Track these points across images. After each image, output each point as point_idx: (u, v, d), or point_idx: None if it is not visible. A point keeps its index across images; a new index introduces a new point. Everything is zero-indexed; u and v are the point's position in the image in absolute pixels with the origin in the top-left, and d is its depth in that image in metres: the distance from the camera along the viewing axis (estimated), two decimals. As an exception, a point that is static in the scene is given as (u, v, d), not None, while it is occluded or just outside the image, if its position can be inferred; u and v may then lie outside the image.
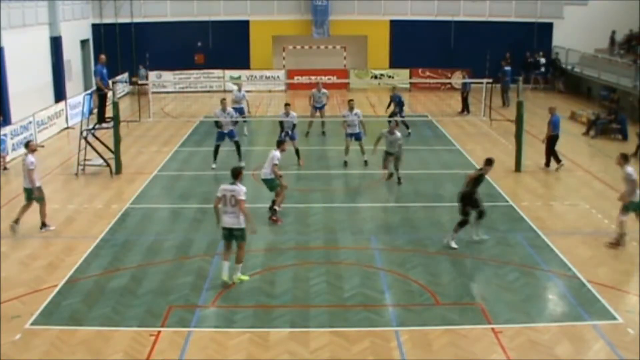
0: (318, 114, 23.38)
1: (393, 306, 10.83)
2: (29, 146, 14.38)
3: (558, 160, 18.80)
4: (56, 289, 11.30)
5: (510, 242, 13.46)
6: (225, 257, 11.41)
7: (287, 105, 19.78)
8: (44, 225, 14.21)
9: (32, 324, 10.14)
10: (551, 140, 18.78)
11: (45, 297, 10.99)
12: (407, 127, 22.75)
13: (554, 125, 18.69)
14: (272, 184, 14.52)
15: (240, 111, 22.26)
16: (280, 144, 14.71)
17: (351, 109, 19.39)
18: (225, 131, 18.95)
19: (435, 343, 9.64)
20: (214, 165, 18.82)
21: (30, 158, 14.01)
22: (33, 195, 14.01)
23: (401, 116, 22.00)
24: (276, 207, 14.60)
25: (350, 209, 15.54)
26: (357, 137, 19.19)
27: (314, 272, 12.02)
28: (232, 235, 11.25)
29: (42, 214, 14.23)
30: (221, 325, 10.21)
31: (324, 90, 23.58)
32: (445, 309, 10.68)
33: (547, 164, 18.90)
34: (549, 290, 11.50)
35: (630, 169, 13.08)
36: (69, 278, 11.76)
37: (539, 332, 9.93)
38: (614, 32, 31.94)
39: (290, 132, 19.17)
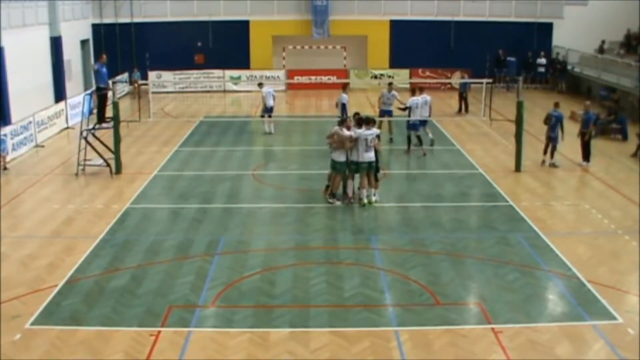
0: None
1: (393, 306, 10.83)
2: (346, 123, 16.09)
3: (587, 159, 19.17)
4: (56, 289, 11.30)
5: (510, 242, 13.46)
6: (363, 185, 15.36)
7: None
8: (332, 195, 15.94)
9: (32, 324, 10.13)
10: (589, 137, 19.20)
11: (45, 297, 10.99)
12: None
13: (590, 122, 19.15)
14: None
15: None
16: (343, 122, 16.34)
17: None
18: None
19: (435, 343, 9.63)
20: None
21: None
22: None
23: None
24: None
25: (350, 208, 15.52)
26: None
27: (314, 272, 12.01)
28: (370, 167, 15.26)
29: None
30: (221, 325, 10.20)
31: (271, 91, 23.62)
32: (445, 309, 10.67)
33: (588, 158, 19.23)
34: (549, 290, 11.50)
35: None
36: (69, 278, 11.75)
37: (539, 332, 9.92)
38: (603, 42, 31.96)
39: None
